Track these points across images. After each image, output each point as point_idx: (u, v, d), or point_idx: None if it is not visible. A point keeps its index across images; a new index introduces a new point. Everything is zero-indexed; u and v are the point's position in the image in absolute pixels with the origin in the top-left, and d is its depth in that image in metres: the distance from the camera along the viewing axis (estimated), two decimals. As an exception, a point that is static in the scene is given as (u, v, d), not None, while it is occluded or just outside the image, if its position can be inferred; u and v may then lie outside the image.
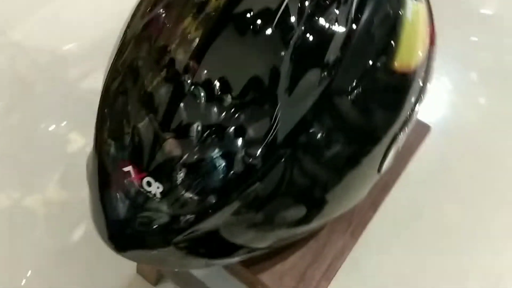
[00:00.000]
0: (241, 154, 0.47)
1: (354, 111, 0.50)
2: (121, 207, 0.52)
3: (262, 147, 0.46)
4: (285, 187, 0.50)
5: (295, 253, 0.70)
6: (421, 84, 0.56)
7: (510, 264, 1.14)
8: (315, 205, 0.54)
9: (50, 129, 1.24)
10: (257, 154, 0.47)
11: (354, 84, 0.49)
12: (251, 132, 0.47)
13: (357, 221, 0.73)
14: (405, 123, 0.55)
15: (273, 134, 0.46)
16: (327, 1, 0.48)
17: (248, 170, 0.47)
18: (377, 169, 0.56)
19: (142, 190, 0.49)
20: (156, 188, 0.48)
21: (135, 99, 0.50)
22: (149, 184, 0.49)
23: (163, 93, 0.48)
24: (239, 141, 0.47)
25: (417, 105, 0.56)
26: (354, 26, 0.48)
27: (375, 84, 0.51)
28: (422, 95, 0.57)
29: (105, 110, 0.53)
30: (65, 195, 1.13)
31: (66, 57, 1.36)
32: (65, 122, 1.24)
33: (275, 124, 0.46)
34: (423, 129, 0.82)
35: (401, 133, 0.56)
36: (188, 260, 0.55)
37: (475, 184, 1.25)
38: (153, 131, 0.48)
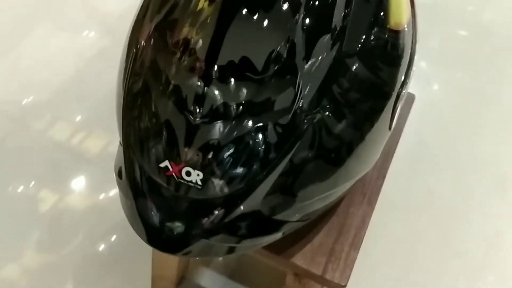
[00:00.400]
0: (273, 124, 0.50)
1: (364, 69, 0.54)
2: (161, 207, 0.53)
3: (291, 115, 0.49)
4: (316, 151, 0.52)
5: (320, 232, 0.72)
6: (412, 41, 0.61)
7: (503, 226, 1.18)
8: (343, 165, 0.56)
9: (18, 190, 1.15)
10: (288, 122, 0.50)
11: (360, 45, 0.53)
12: (278, 103, 0.49)
13: (370, 190, 0.77)
14: (405, 79, 0.60)
15: (299, 101, 0.49)
16: None
17: (282, 138, 0.50)
18: (389, 126, 0.60)
19: (182, 181, 0.51)
20: (196, 176, 0.50)
21: (161, 95, 0.52)
22: (188, 174, 0.50)
23: (189, 82, 0.50)
24: (269, 113, 0.50)
25: (412, 61, 0.61)
26: None
27: (377, 42, 0.55)
28: (414, 52, 0.62)
29: (130, 113, 0.54)
30: (45, 258, 1.05)
31: (26, 110, 1.30)
32: (33, 182, 1.16)
33: (299, 92, 0.49)
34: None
35: (403, 90, 0.60)
36: (235, 243, 0.57)
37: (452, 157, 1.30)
38: (185, 120, 0.50)
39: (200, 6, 0.52)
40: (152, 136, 0.53)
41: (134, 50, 0.56)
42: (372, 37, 0.55)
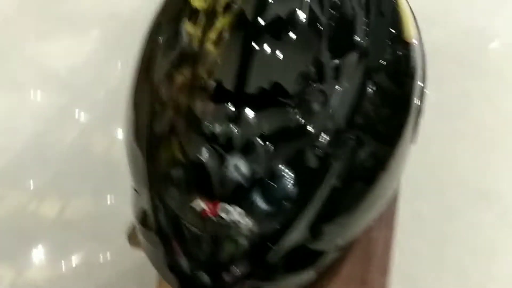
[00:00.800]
0: (310, 148, 0.48)
1: (390, 83, 0.54)
2: (197, 252, 0.48)
3: (326, 136, 0.48)
4: (355, 170, 0.51)
5: (346, 262, 0.68)
6: (422, 51, 0.61)
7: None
8: (379, 182, 0.55)
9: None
10: (324, 144, 0.48)
11: (383, 59, 0.53)
12: (312, 126, 0.48)
13: (385, 214, 0.74)
14: (423, 90, 0.59)
15: (333, 121, 0.48)
16: None
17: (320, 161, 0.48)
18: (411, 139, 0.59)
19: (220, 221, 0.46)
20: (236, 214, 0.46)
21: (189, 132, 0.49)
22: (225, 211, 0.46)
23: (218, 115, 0.48)
24: (305, 138, 0.48)
25: (425, 72, 0.61)
26: (367, 9, 0.53)
27: (397, 55, 0.55)
28: (425, 62, 0.62)
29: (156, 155, 0.50)
30: None
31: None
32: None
33: (332, 112, 0.48)
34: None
35: (422, 103, 0.59)
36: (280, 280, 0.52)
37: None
38: (217, 155, 0.46)
39: (216, 36, 0.51)
40: (179, 176, 0.48)
41: (150, 92, 0.53)
42: (392, 50, 0.55)
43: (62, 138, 1.23)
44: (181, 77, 0.51)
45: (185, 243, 0.48)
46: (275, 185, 0.47)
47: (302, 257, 0.52)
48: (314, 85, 0.49)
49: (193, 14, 0.53)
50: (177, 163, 0.49)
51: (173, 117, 0.50)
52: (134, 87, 0.58)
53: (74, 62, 1.41)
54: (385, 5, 0.56)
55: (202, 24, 0.51)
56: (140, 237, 0.54)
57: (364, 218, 0.57)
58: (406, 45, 0.57)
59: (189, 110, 0.49)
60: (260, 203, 0.47)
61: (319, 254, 0.54)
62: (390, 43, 0.55)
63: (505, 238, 1.17)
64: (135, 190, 0.55)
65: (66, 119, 1.27)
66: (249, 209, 0.46)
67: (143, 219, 0.52)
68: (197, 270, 0.48)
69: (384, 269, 0.68)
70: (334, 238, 0.54)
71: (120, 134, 1.15)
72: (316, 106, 0.48)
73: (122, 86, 0.59)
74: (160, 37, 0.56)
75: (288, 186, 0.47)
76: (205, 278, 0.48)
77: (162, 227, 0.49)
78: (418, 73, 0.59)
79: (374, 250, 0.70)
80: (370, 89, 0.51)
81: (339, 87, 0.49)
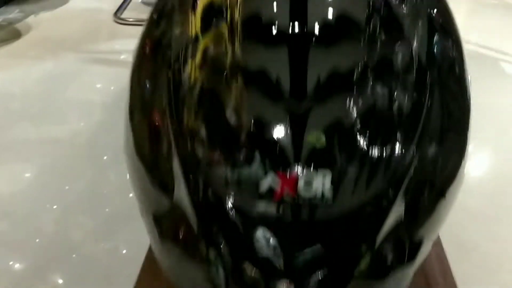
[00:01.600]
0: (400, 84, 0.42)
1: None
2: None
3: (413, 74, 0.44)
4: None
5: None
6: None
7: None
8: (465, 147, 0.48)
9: None
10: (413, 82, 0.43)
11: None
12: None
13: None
14: None
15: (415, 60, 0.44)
16: None
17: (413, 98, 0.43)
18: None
19: (302, 198, 0.37)
20: (321, 185, 0.37)
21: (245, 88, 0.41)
22: (308, 185, 0.37)
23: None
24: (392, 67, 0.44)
25: None
26: None
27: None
28: None
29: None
30: None
31: None
32: None
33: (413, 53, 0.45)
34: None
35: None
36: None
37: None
38: (285, 110, 0.38)
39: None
40: (233, 150, 0.39)
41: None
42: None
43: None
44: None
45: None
46: (372, 134, 0.39)
47: (400, 246, 0.42)
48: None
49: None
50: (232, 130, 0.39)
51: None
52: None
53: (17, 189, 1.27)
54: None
55: None
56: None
57: (452, 201, 0.48)
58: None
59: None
60: (358, 162, 0.38)
61: (416, 245, 0.44)
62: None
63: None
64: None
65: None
66: (342, 174, 0.37)
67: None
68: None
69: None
70: (428, 223, 0.45)
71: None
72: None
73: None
74: None
75: (386, 133, 0.40)
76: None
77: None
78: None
79: (432, 272, 0.60)
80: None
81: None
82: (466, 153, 0.48)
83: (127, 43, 1.79)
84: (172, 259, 0.46)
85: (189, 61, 0.43)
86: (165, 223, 0.44)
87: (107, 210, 1.12)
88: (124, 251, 1.00)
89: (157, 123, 0.44)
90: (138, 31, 0.54)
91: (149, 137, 0.45)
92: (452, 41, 0.49)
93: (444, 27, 0.50)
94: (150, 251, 0.64)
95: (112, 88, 1.62)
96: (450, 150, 0.46)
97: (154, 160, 0.45)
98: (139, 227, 0.49)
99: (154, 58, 0.47)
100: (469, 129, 0.49)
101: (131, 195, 0.54)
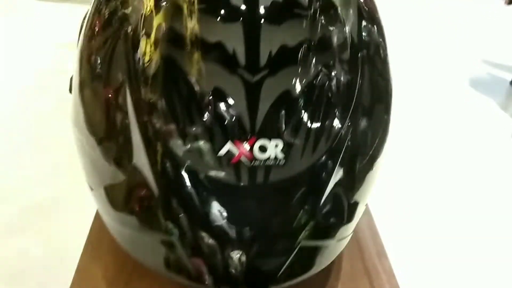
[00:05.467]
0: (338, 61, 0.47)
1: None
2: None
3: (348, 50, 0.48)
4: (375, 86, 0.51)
5: (345, 260, 0.63)
6: None
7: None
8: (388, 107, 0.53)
9: None
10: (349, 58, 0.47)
11: None
12: (335, 38, 0.48)
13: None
14: None
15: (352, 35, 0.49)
16: None
17: (350, 73, 0.47)
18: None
19: (256, 162, 0.40)
20: (273, 148, 0.40)
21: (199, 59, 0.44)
22: (262, 149, 0.40)
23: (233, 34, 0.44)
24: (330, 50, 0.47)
25: None
26: None
27: None
28: None
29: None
30: None
31: None
32: None
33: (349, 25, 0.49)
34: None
35: None
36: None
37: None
38: (241, 80, 0.42)
39: None
40: (195, 118, 0.42)
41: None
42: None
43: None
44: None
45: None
46: (315, 103, 0.44)
47: (340, 207, 0.47)
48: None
49: None
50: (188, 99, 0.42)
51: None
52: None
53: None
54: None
55: None
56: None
57: (380, 153, 0.53)
58: None
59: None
60: (304, 129, 0.43)
61: (352, 207, 0.50)
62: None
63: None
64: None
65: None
66: (291, 138, 0.42)
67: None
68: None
69: (381, 253, 0.64)
70: (362, 188, 0.51)
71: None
72: (332, 19, 0.47)
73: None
74: None
75: (329, 102, 0.44)
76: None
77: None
78: None
79: (363, 237, 0.66)
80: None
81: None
82: (388, 128, 0.53)
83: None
84: (128, 231, 0.46)
85: (147, 33, 0.44)
86: (121, 193, 0.45)
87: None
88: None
89: (114, 95, 0.44)
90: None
91: (105, 109, 0.46)
92: (377, 27, 0.54)
93: (370, 15, 0.55)
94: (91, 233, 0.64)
95: None
96: (377, 124, 0.51)
97: (110, 132, 0.45)
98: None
99: (109, 33, 0.47)
100: (391, 107, 0.55)
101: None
